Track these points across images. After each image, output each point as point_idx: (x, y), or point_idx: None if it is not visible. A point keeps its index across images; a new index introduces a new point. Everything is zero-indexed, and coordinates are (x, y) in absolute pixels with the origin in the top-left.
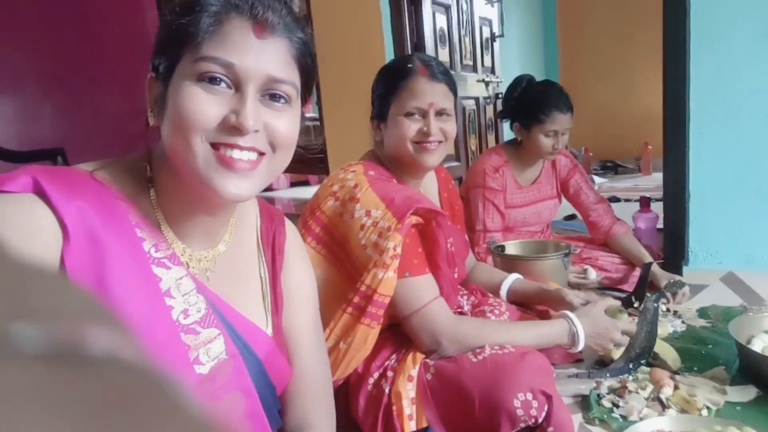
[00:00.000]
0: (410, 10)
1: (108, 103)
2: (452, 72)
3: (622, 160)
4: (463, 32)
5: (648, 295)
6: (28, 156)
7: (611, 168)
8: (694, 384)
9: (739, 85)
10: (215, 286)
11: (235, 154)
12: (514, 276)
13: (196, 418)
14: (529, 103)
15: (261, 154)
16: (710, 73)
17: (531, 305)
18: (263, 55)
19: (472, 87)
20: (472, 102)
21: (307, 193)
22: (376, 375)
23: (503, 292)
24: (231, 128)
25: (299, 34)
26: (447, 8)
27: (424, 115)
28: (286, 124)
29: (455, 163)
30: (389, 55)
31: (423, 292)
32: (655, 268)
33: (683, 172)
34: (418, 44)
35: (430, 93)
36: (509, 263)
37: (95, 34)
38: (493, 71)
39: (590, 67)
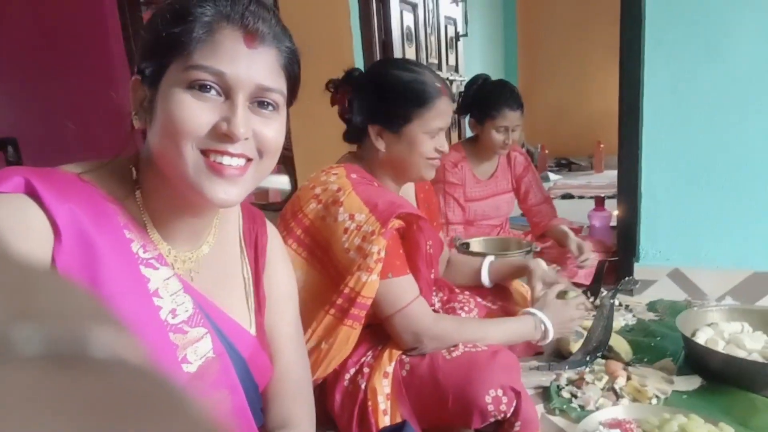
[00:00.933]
0: (378, 8)
1: (61, 94)
2: None
3: (576, 157)
4: (429, 31)
5: (603, 291)
6: None
7: (565, 165)
8: (644, 375)
9: (692, 89)
10: (200, 286)
11: (225, 160)
12: (490, 258)
13: (199, 419)
14: (483, 99)
15: (249, 160)
16: (664, 76)
17: (507, 284)
18: (253, 64)
19: None
20: None
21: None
22: (352, 371)
23: (484, 274)
24: (222, 135)
25: (287, 43)
26: (414, 6)
27: (439, 131)
28: (274, 131)
29: None
30: (357, 53)
31: (405, 292)
32: (570, 235)
33: (636, 172)
34: (386, 42)
35: (449, 112)
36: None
37: (48, 22)
38: (456, 70)
39: (547, 67)
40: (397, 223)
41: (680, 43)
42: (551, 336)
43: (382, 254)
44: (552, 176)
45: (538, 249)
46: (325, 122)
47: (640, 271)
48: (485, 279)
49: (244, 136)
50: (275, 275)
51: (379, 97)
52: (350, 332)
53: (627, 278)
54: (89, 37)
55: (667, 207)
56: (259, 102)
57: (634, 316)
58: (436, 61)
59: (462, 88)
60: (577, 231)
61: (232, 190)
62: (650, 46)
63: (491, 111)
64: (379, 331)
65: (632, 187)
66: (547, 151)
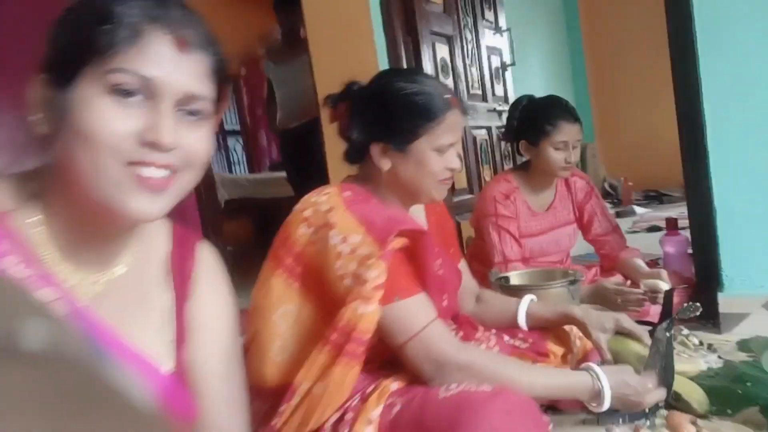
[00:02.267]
0: (407, 42)
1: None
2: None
3: (667, 188)
4: (468, 62)
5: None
6: None
7: (655, 197)
8: (720, 429)
9: (757, 89)
10: (107, 313)
11: (149, 172)
12: (528, 298)
13: (134, 409)
14: (533, 117)
15: (174, 171)
16: (724, 78)
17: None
18: (182, 70)
19: (483, 116)
20: (483, 132)
21: None
22: (333, 419)
23: (521, 318)
24: (147, 145)
25: (217, 50)
26: (449, 39)
27: (449, 148)
28: (202, 140)
29: (468, 196)
30: None
31: (418, 314)
32: (636, 265)
33: (706, 189)
34: None
35: (461, 126)
36: (511, 294)
37: None
38: (506, 100)
39: (625, 92)
40: (399, 242)
41: (738, 41)
42: (606, 406)
43: (381, 280)
44: (639, 210)
45: (583, 278)
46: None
47: (726, 302)
48: (522, 321)
49: (172, 146)
50: (203, 305)
51: (382, 111)
52: (347, 372)
53: (687, 304)
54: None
55: (748, 225)
56: (187, 110)
57: (719, 357)
58: (479, 92)
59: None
60: (652, 264)
61: (156, 203)
62: (703, 44)
63: (545, 127)
64: (374, 368)
65: (705, 206)
66: (631, 184)
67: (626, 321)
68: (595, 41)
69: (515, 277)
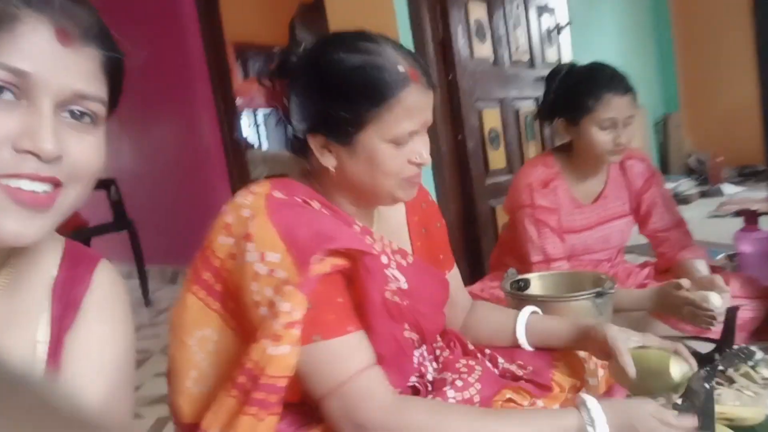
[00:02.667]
0: (432, 2)
1: (153, 135)
2: (499, 70)
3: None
4: (512, 23)
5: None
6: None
7: (750, 175)
8: None
9: None
10: None
11: (27, 185)
12: (529, 310)
13: (59, 410)
14: (572, 90)
15: (57, 185)
16: None
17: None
18: (68, 65)
19: (529, 86)
20: (529, 103)
21: None
22: None
23: (520, 335)
24: (23, 153)
25: (111, 44)
26: None
27: (412, 136)
28: (91, 148)
29: (505, 177)
30: None
31: (344, 360)
32: (693, 268)
33: None
34: (446, 40)
35: (425, 107)
36: (522, 306)
37: (140, 69)
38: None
39: (718, 53)
40: (328, 264)
41: None
42: None
43: (297, 315)
44: (728, 190)
45: (613, 290)
46: None
47: None
48: (522, 339)
49: (54, 154)
50: (85, 336)
51: (315, 93)
52: (255, 425)
53: (737, 348)
54: (177, 81)
55: None
56: (73, 112)
57: None
58: (526, 58)
59: None
60: (717, 270)
61: (33, 223)
62: None
63: (587, 100)
64: (310, 410)
65: None
66: (720, 159)
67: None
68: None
69: (535, 282)
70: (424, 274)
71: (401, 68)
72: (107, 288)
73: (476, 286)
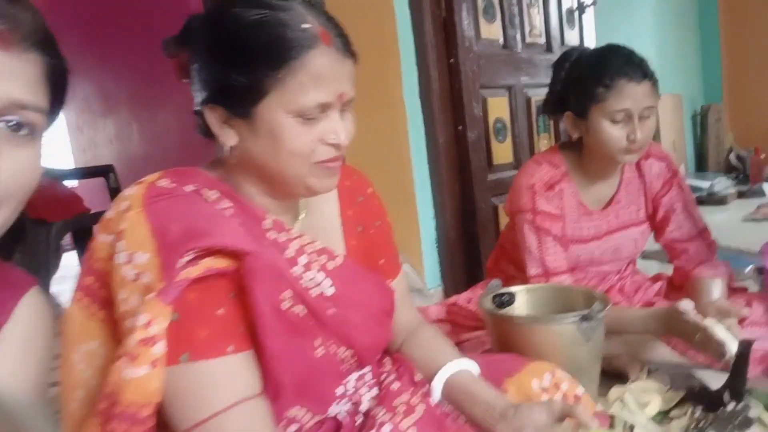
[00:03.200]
0: None
1: (150, 125)
2: (509, 53)
3: None
4: (527, 1)
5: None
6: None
7: None
8: None
9: None
10: None
11: None
12: (462, 364)
13: None
14: (581, 77)
15: None
16: None
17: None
18: (5, 71)
19: (544, 72)
20: (543, 91)
21: None
22: None
23: (436, 388)
24: None
25: (55, 48)
26: None
27: (323, 110)
28: (27, 164)
29: (511, 172)
30: (405, 37)
31: (214, 389)
32: (708, 289)
33: None
34: (448, 20)
35: (339, 76)
36: (498, 327)
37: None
38: None
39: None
40: (203, 266)
41: None
42: None
43: (155, 330)
44: None
45: (602, 314)
46: (371, 129)
47: None
48: (438, 399)
49: None
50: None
51: (212, 57)
52: None
53: (731, 409)
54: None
55: None
56: (9, 123)
57: None
58: (542, 41)
59: None
60: (739, 292)
61: None
62: None
63: (596, 88)
64: None
65: None
66: (764, 156)
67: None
68: None
69: (522, 295)
70: (358, 277)
71: (306, 26)
72: (30, 321)
73: (464, 296)
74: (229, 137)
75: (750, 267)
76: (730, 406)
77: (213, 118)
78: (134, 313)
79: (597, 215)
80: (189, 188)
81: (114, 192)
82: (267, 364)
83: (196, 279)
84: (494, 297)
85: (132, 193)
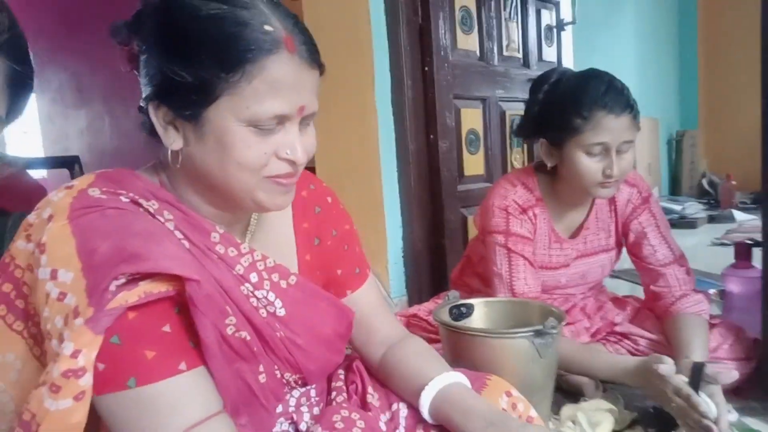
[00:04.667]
0: None
1: (115, 115)
2: (485, 65)
3: None
4: (505, 15)
5: None
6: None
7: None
8: None
9: None
10: None
11: None
12: (450, 378)
13: None
14: (558, 103)
15: None
16: None
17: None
18: None
19: (519, 87)
20: (519, 106)
21: None
22: None
23: (424, 407)
24: None
25: (20, 53)
26: None
27: (281, 122)
28: None
29: (483, 185)
30: (378, 41)
31: (172, 410)
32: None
33: None
34: (425, 27)
35: (302, 87)
36: (452, 339)
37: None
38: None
39: (744, 78)
40: (139, 291)
41: None
42: None
43: (82, 362)
44: (740, 216)
45: (556, 330)
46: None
47: None
48: (425, 412)
49: None
50: None
51: (160, 49)
52: None
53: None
54: None
55: None
56: None
57: None
58: (518, 55)
59: None
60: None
61: None
62: None
63: (574, 118)
64: None
65: None
66: (734, 183)
67: None
68: (713, 2)
69: (480, 308)
70: (311, 298)
71: (269, 28)
72: None
73: (425, 307)
74: (173, 139)
75: (713, 290)
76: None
77: (157, 116)
78: (58, 336)
79: (567, 244)
80: (124, 198)
81: None
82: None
83: (112, 317)
84: (452, 309)
85: (57, 200)
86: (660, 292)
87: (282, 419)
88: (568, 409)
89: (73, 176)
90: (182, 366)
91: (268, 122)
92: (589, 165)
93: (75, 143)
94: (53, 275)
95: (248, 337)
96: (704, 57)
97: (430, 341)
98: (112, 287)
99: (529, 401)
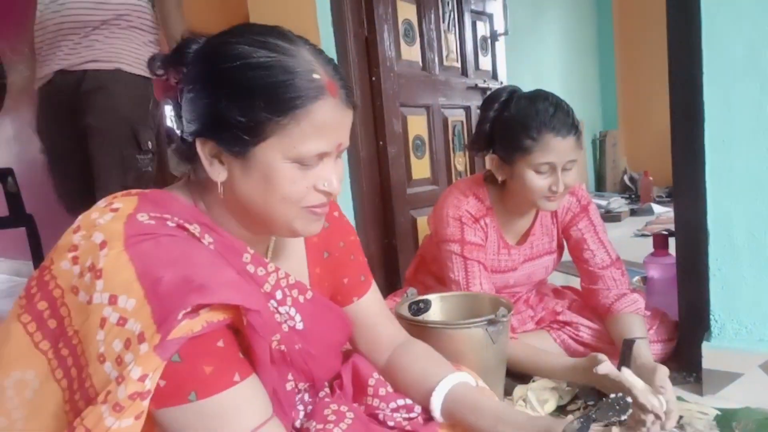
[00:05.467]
0: None
1: None
2: (427, 75)
3: None
4: (444, 27)
5: (573, 418)
6: None
7: None
8: None
9: None
10: None
11: None
12: (457, 377)
13: None
14: (508, 124)
15: None
16: (735, 48)
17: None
18: None
19: (459, 94)
20: (459, 112)
21: None
22: None
23: (435, 408)
24: None
25: None
26: None
27: (321, 158)
28: None
29: (429, 188)
30: (328, 52)
31: (232, 419)
32: (642, 348)
33: (698, 198)
34: (371, 39)
35: (341, 127)
36: (412, 332)
37: None
38: (495, 76)
39: (656, 80)
40: (201, 320)
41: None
42: None
43: (149, 385)
44: (658, 209)
45: (506, 318)
46: None
47: (712, 356)
48: (437, 413)
49: None
50: None
51: (211, 89)
52: None
53: (612, 397)
54: None
55: (753, 255)
56: None
57: None
58: (457, 65)
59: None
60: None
61: None
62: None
63: (523, 139)
64: None
65: (695, 226)
66: (651, 179)
67: None
68: (627, 11)
69: (436, 303)
70: (323, 310)
71: (316, 76)
72: None
73: None
74: (218, 172)
75: (636, 277)
76: (612, 395)
77: (203, 150)
78: (115, 359)
79: (514, 250)
80: (170, 223)
81: (12, 197)
82: None
83: (178, 344)
84: (411, 305)
85: (108, 226)
86: (599, 292)
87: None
88: (519, 390)
89: (7, 189)
90: (236, 377)
91: (312, 159)
92: (537, 182)
93: (2, 153)
94: (112, 300)
95: (285, 349)
96: (621, 64)
97: None
98: (179, 316)
99: (485, 383)
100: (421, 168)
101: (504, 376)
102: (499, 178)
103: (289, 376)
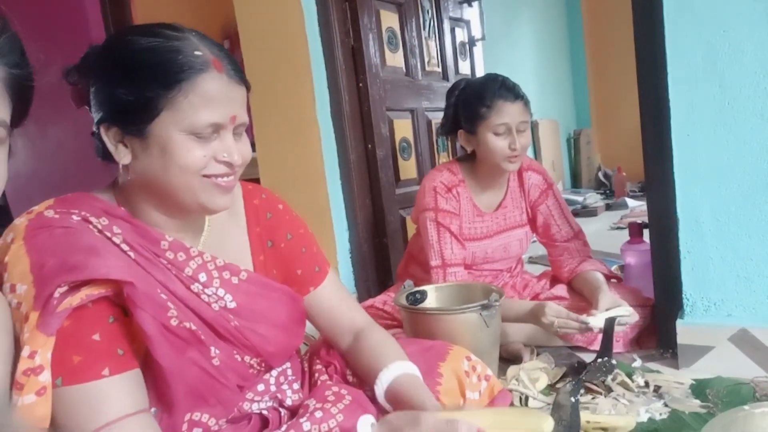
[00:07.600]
0: (341, 6)
1: (38, 138)
2: (411, 80)
3: None
4: (425, 34)
5: (562, 386)
6: None
7: None
8: None
9: (739, 65)
10: None
11: None
12: (401, 368)
13: None
14: (467, 101)
15: None
16: (696, 52)
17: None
18: None
19: (441, 97)
20: (441, 114)
21: None
22: None
23: (380, 394)
24: None
25: (16, 58)
26: (398, 6)
27: (216, 130)
28: None
29: (416, 188)
30: (316, 61)
31: (89, 411)
32: (593, 283)
33: (668, 190)
34: (356, 47)
35: (231, 100)
36: (413, 319)
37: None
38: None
39: (628, 75)
40: (81, 295)
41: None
42: None
43: (39, 360)
44: (631, 203)
45: (498, 302)
46: (288, 149)
47: (687, 331)
48: (381, 399)
49: None
50: None
51: (107, 78)
52: None
53: (599, 360)
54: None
55: (719, 238)
56: None
57: (666, 405)
58: (438, 70)
59: None
60: (619, 279)
61: None
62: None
63: (480, 108)
64: None
65: (666, 212)
66: (625, 174)
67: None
68: (595, 15)
69: (432, 293)
70: (263, 289)
71: (198, 53)
72: None
73: (379, 299)
74: (122, 155)
75: (615, 266)
76: (599, 359)
77: (108, 136)
78: (19, 340)
79: (488, 216)
80: (75, 217)
81: (0, 211)
82: (161, 376)
83: (75, 307)
84: (408, 295)
85: (18, 224)
86: (564, 261)
87: (266, 397)
88: (512, 370)
89: None
90: (105, 372)
91: (205, 130)
92: (497, 142)
93: None
94: (12, 289)
95: (194, 327)
96: (592, 65)
97: (387, 327)
98: (56, 294)
99: None
100: (408, 169)
101: (498, 357)
102: (468, 149)
103: (213, 353)
